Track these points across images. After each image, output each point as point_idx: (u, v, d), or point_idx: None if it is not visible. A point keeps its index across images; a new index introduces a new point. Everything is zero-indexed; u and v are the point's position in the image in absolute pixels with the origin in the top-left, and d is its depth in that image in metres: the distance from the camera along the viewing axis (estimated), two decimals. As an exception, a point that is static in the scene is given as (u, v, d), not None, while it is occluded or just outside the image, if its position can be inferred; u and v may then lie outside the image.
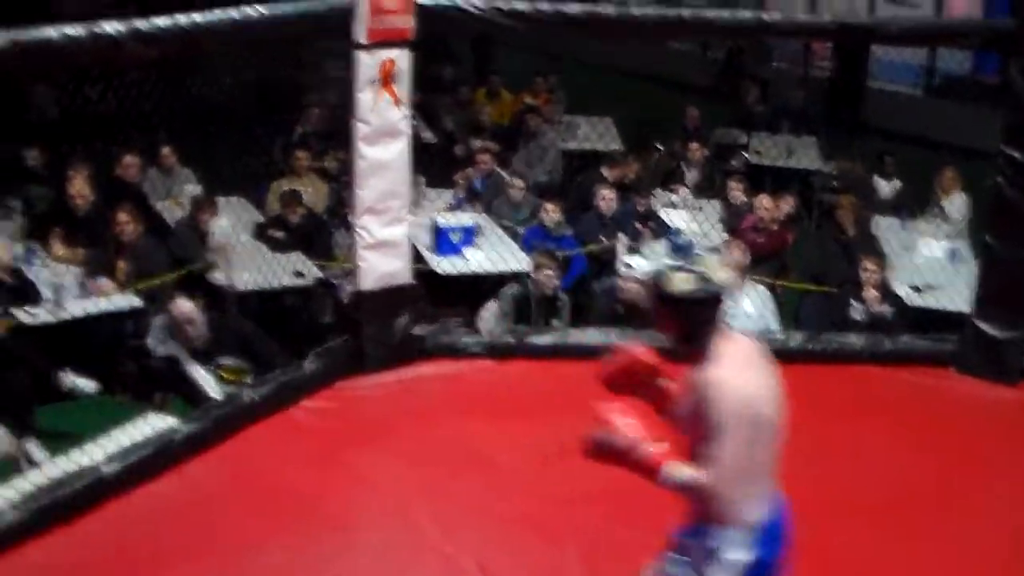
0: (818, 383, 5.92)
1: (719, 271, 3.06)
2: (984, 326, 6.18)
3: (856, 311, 6.62)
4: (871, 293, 6.60)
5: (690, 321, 3.00)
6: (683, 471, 2.96)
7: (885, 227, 8.02)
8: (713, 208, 8.25)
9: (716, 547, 3.04)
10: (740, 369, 2.98)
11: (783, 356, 6.11)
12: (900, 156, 9.20)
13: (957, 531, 4.77)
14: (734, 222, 7.80)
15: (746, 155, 9.88)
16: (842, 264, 7.14)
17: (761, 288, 6.76)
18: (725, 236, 7.40)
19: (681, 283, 2.99)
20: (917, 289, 6.99)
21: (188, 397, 5.80)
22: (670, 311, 3.02)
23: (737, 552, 3.04)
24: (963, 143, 9.41)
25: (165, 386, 6.03)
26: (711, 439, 2.91)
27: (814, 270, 7.40)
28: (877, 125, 11.21)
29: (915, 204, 8.44)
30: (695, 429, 2.98)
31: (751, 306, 6.63)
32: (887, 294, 6.71)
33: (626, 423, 3.02)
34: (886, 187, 8.96)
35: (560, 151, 9.82)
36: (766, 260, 7.36)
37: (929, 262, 7.29)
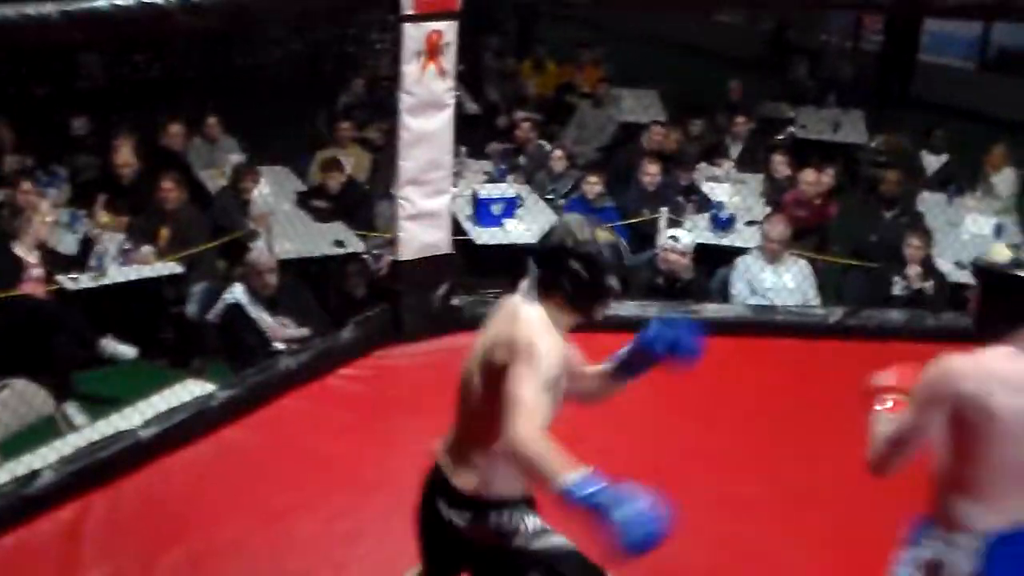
0: (858, 359, 5.85)
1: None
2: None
3: (898, 287, 6.54)
4: (914, 269, 6.51)
5: (996, 304, 2.72)
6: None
7: (932, 203, 7.90)
8: (757, 182, 8.19)
9: (923, 555, 2.83)
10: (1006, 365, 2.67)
11: (823, 331, 6.22)
12: (950, 131, 9.06)
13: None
14: (777, 196, 7.74)
15: (792, 129, 9.77)
16: (885, 239, 7.05)
17: (802, 262, 6.70)
18: (768, 210, 7.35)
19: (1000, 257, 2.74)
20: (962, 266, 6.89)
21: (236, 355, 5.85)
22: (985, 291, 2.76)
23: (953, 562, 2.77)
24: (1017, 118, 9.25)
25: (209, 349, 6.11)
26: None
27: (857, 245, 7.32)
28: (927, 99, 11.06)
29: (963, 180, 8.32)
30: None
31: (792, 280, 6.58)
32: (931, 270, 6.61)
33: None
34: (934, 162, 8.83)
35: (610, 125, 9.78)
36: (808, 234, 7.30)
37: (975, 238, 7.18)
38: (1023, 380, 2.65)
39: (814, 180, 7.59)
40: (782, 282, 6.57)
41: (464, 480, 2.95)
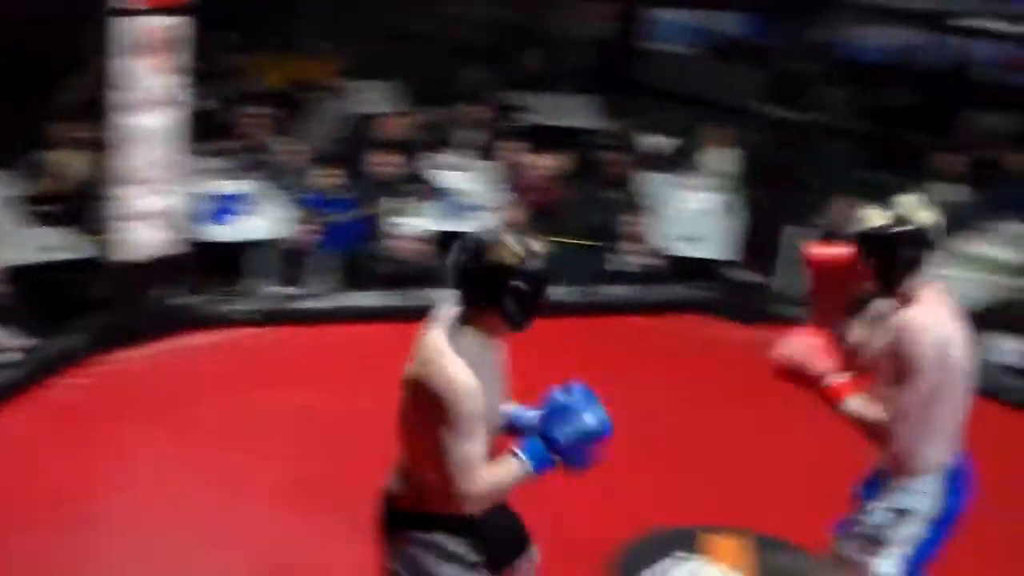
0: (590, 333, 6.11)
1: (919, 209, 3.01)
2: (737, 272, 6.50)
3: (625, 263, 6.84)
4: (639, 246, 6.83)
5: (890, 262, 2.97)
6: (866, 406, 2.97)
7: (654, 182, 8.28)
8: (493, 169, 8.36)
9: (901, 501, 3.02)
10: (938, 314, 2.96)
11: (557, 310, 6.43)
12: (672, 114, 9.50)
13: (731, 461, 5.15)
14: (513, 182, 7.92)
15: (526, 116, 10.00)
16: (611, 219, 7.35)
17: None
18: (503, 196, 7.52)
19: (879, 220, 2.98)
20: (682, 241, 7.27)
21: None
22: (868, 252, 2.99)
23: (923, 502, 3.02)
24: (731, 102, 9.78)
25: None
26: (900, 380, 2.90)
27: (585, 226, 7.59)
28: (652, 84, 11.53)
29: (684, 160, 8.74)
30: (884, 369, 2.97)
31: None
32: (654, 246, 6.95)
33: (816, 350, 3.04)
34: (657, 144, 9.23)
35: (344, 117, 9.73)
36: (543, 218, 7.51)
37: (693, 214, 7.58)
38: (956, 322, 2.98)
39: (546, 165, 7.81)
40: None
41: (398, 493, 2.89)
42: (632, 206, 7.24)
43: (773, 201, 6.55)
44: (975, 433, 3.17)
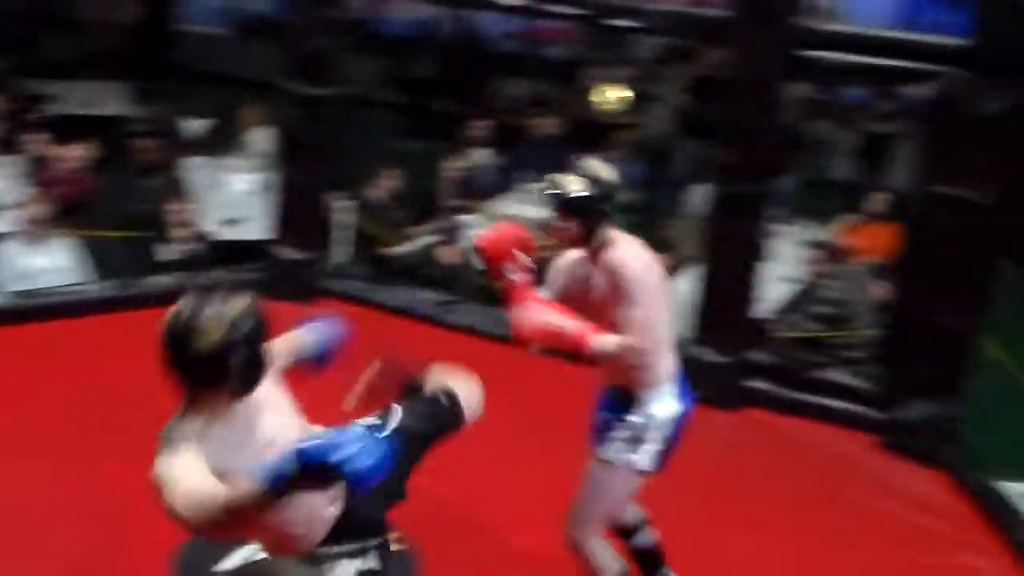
0: (132, 328, 5.89)
1: (603, 170, 3.46)
2: (284, 251, 6.54)
3: (167, 252, 6.67)
4: (180, 232, 6.68)
5: (590, 218, 3.41)
6: (609, 339, 3.39)
7: (194, 166, 8.12)
8: (14, 163, 7.83)
9: (650, 407, 3.50)
10: (635, 247, 3.46)
11: (96, 307, 6.16)
12: (208, 96, 9.35)
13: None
14: (37, 175, 7.46)
15: (49, 105, 9.45)
16: (149, 208, 7.13)
17: (69, 240, 6.56)
18: (29, 190, 7.08)
19: (576, 185, 3.40)
20: (227, 223, 7.20)
21: None
22: (571, 213, 3.41)
23: (668, 406, 3.53)
24: (263, 80, 9.77)
25: None
26: (627, 306, 3.35)
27: (121, 216, 7.31)
28: (188, 67, 11.28)
29: (223, 141, 8.64)
30: (608, 304, 3.41)
31: (59, 260, 6.42)
32: (197, 232, 6.83)
33: (547, 310, 3.42)
34: (194, 127, 9.06)
35: None
36: (73, 211, 7.14)
37: (237, 196, 7.53)
38: (646, 251, 3.50)
39: (72, 156, 7.43)
40: (51, 263, 6.39)
41: None
42: (174, 192, 7.07)
43: (312, 177, 6.62)
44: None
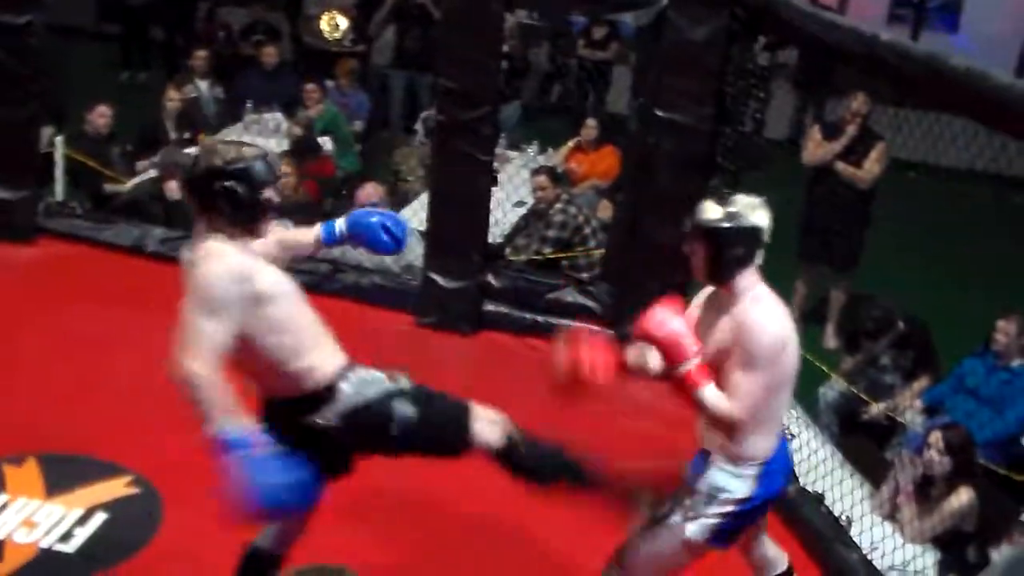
0: None
1: (750, 208, 3.05)
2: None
3: None
4: None
5: (721, 254, 3.04)
6: (713, 392, 3.03)
7: None
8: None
9: (715, 484, 3.18)
10: (777, 313, 3.07)
11: None
12: None
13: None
14: None
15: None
16: None
17: None
18: None
19: (713, 213, 3.03)
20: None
21: None
22: (698, 239, 3.07)
23: (743, 486, 3.18)
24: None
25: None
26: (744, 372, 3.00)
27: None
28: None
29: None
30: (724, 358, 3.04)
31: None
32: None
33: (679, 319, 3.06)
34: None
35: None
36: None
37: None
38: (789, 321, 3.11)
39: None
40: None
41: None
42: None
43: (18, 110, 6.23)
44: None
